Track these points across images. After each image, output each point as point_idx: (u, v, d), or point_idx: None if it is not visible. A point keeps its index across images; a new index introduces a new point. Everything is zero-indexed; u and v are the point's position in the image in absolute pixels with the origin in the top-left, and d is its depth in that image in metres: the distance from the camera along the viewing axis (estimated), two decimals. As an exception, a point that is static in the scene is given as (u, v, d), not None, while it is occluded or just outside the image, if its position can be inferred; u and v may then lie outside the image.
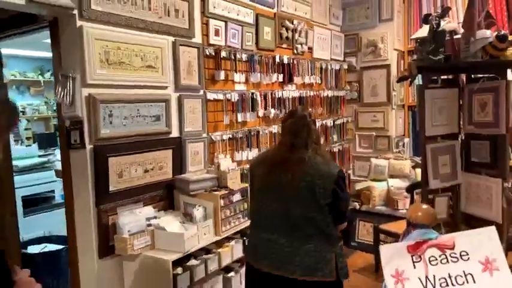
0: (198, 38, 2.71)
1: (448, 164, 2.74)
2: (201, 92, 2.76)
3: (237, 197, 2.51)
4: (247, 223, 2.61)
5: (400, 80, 2.89)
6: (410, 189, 3.31)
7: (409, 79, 2.75)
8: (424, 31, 2.87)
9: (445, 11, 2.55)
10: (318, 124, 3.96)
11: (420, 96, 2.64)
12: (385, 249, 1.14)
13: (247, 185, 2.69)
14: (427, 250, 1.11)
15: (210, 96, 2.79)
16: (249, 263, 1.93)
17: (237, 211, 2.51)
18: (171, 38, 2.51)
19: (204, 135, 2.78)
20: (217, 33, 2.83)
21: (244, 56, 3.06)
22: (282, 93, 3.43)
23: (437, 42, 2.53)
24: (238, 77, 3.00)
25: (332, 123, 4.22)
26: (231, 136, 2.95)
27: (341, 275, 1.80)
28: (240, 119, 3.01)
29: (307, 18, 3.88)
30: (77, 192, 2.20)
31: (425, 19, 2.63)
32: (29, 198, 3.39)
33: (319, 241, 1.78)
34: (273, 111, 3.31)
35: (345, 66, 4.49)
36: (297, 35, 3.70)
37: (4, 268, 1.05)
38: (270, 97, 3.29)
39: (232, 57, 2.95)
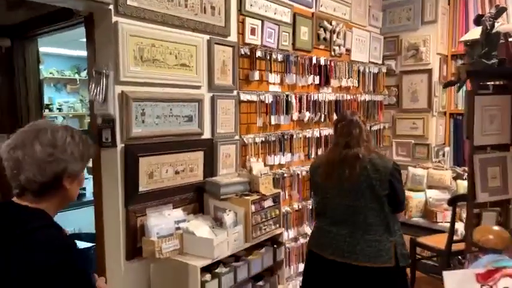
0: (233, 37, 2.63)
1: (498, 177, 2.53)
2: (235, 93, 2.67)
3: (268, 202, 2.39)
4: (279, 230, 2.50)
5: (447, 85, 2.70)
6: (452, 202, 3.10)
7: (457, 84, 2.56)
8: (474, 33, 2.67)
9: (500, 12, 2.34)
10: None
11: (469, 103, 2.44)
12: (450, 276, 1.00)
13: (279, 190, 2.58)
14: (501, 280, 0.96)
15: (244, 97, 2.70)
16: (313, 251, 2.18)
17: (268, 217, 2.39)
18: (206, 36, 2.44)
19: (237, 137, 2.69)
20: (253, 32, 2.74)
21: (279, 57, 2.96)
22: (318, 96, 3.30)
23: (491, 45, 2.34)
24: (273, 77, 2.89)
25: (369, 129, 4.03)
26: (263, 139, 2.85)
27: (401, 261, 2.01)
28: (273, 122, 2.90)
29: (346, 19, 3.73)
30: (107, 192, 2.16)
31: (478, 20, 2.44)
32: (60, 195, 3.40)
33: (379, 231, 2.00)
34: (308, 114, 3.18)
35: (384, 70, 4.29)
36: (334, 36, 3.55)
37: (89, 277, 1.12)
38: (305, 100, 3.16)
39: (268, 57, 2.85)
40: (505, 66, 2.32)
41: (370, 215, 1.99)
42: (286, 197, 3.09)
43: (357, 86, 3.88)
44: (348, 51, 3.77)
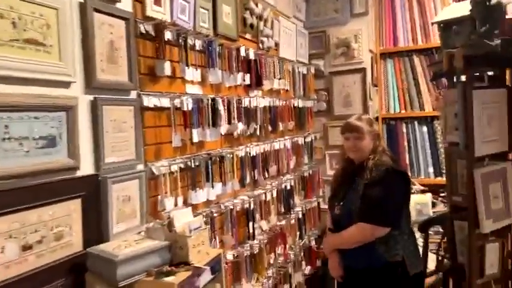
0: (126, 4, 1.61)
1: (500, 196, 1.95)
2: (134, 95, 1.64)
3: (205, 277, 1.41)
4: (224, 319, 1.53)
5: (436, 77, 2.06)
6: (424, 227, 2.48)
7: (450, 76, 1.94)
8: (452, 11, 2.09)
9: (500, -23, 1.77)
10: (288, 143, 3.02)
11: (468, 100, 1.81)
12: None
13: (220, 251, 1.61)
14: None
15: (149, 101, 1.68)
16: None
17: (206, 302, 1.41)
18: (78, -4, 1.39)
19: (140, 166, 1.66)
20: (157, 1, 1.75)
21: (198, 43, 2.01)
22: (250, 101, 2.42)
23: (492, 21, 1.74)
24: (191, 73, 1.93)
25: (303, 141, 3.30)
26: (183, 166, 1.86)
27: None
28: (196, 138, 1.93)
29: (272, 4, 2.95)
30: None
31: (465, -9, 1.86)
32: None
33: None
34: (240, 126, 2.28)
35: (312, 71, 3.63)
36: (262, 24, 2.74)
37: None
38: (235, 106, 2.26)
39: (182, 42, 1.88)
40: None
41: None
42: (217, 245, 2.13)
43: (287, 89, 3.12)
44: (277, 45, 3.00)
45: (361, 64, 3.59)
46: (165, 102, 1.75)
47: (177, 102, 1.82)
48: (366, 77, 3.60)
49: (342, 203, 1.89)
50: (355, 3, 3.58)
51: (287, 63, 3.11)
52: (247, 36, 2.58)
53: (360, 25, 3.58)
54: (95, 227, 1.42)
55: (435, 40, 3.57)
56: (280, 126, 2.89)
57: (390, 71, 3.91)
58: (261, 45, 2.73)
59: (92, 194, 1.40)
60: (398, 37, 3.83)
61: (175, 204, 1.77)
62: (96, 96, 1.44)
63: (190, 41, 1.94)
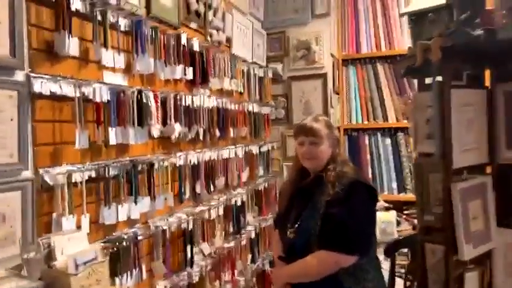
0: (11, -47, 1.19)
1: (480, 216, 1.67)
2: (20, 76, 1.21)
3: (100, 333, 0.99)
4: None
5: (409, 72, 1.75)
6: (390, 251, 2.17)
7: (423, 76, 1.65)
8: (424, 1, 1.83)
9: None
10: (240, 152, 2.65)
11: (445, 101, 1.52)
12: None
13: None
14: None
15: (43, 87, 1.25)
16: None
17: None
18: None
19: (26, 173, 1.22)
20: (62, -43, 1.34)
21: (123, 22, 1.61)
22: (193, 100, 2.03)
23: (474, 9, 1.48)
24: (112, 57, 1.52)
25: (258, 151, 2.95)
26: (92, 175, 1.43)
27: None
28: (114, 140, 1.51)
29: (224, -6, 2.61)
30: None
31: (441, -26, 1.60)
32: None
33: None
34: (178, 127, 1.88)
35: (270, 74, 3.31)
36: (211, 14, 2.38)
37: None
38: (172, 103, 1.86)
39: (99, 17, 1.47)
40: (496, 40, 1.47)
41: None
42: (143, 275, 1.70)
43: (241, 91, 2.77)
44: (229, 41, 2.65)
45: (322, 69, 3.32)
46: (68, 88, 1.33)
47: (86, 91, 1.40)
48: (327, 83, 3.32)
49: (296, 225, 1.51)
50: (316, 3, 3.32)
51: (241, 62, 2.77)
52: (193, 25, 2.21)
53: (321, 27, 3.32)
54: None
55: (400, 47, 3.37)
56: (231, 132, 2.52)
57: (353, 79, 3.65)
58: (209, 38, 2.37)
59: None
60: (362, 42, 3.59)
61: (79, 226, 1.33)
62: None
63: (112, 18, 1.54)
